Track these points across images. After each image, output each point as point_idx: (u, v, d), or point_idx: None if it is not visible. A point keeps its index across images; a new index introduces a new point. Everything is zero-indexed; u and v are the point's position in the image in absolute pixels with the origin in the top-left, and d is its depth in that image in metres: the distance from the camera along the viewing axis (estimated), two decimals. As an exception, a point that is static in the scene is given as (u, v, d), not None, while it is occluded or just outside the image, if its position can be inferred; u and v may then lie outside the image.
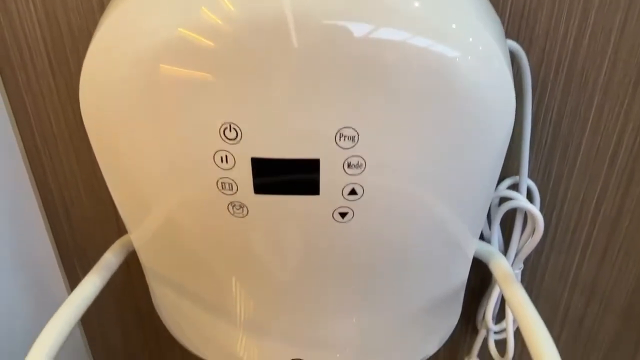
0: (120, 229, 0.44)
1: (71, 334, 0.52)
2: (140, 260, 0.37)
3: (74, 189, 0.43)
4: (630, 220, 0.40)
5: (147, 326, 0.50)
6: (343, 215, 0.28)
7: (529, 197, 0.38)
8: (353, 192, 0.28)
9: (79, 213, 0.44)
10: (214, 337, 0.39)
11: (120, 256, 0.37)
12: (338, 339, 0.37)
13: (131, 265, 0.47)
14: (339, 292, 0.33)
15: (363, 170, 0.27)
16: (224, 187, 0.28)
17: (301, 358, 0.38)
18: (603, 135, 0.36)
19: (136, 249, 0.37)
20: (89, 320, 0.52)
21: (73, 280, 0.48)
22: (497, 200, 0.38)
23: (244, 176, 0.27)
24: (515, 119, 0.34)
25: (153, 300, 0.42)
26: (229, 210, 0.29)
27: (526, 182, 0.37)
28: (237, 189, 0.28)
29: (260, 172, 0.27)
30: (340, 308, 0.34)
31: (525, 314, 0.31)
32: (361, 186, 0.27)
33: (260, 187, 0.27)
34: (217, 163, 0.27)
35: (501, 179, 0.38)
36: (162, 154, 0.28)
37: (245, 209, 0.29)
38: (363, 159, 0.26)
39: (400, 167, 0.27)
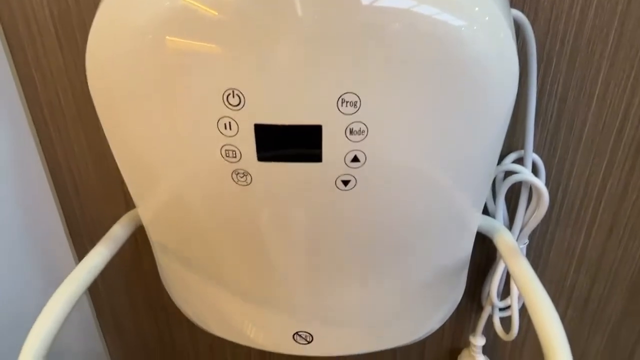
0: (128, 205, 0.45)
1: (81, 311, 0.53)
2: (148, 235, 0.38)
3: (83, 164, 0.43)
4: (637, 196, 0.40)
5: (155, 303, 0.51)
6: (346, 183, 0.29)
7: (535, 172, 0.38)
8: (355, 159, 0.28)
9: (87, 189, 0.45)
10: (219, 310, 0.39)
11: (128, 229, 0.38)
12: (343, 311, 0.37)
13: (140, 243, 0.47)
14: (343, 262, 0.33)
15: (365, 137, 0.27)
16: (227, 154, 0.28)
17: (306, 330, 0.38)
18: (609, 109, 0.36)
19: (143, 223, 0.37)
20: (99, 298, 0.52)
21: (82, 255, 0.49)
22: (502, 175, 0.38)
23: (248, 143, 0.27)
24: (520, 92, 0.34)
25: (160, 274, 0.42)
26: (233, 179, 0.29)
27: (531, 156, 0.37)
28: (241, 156, 0.28)
29: (263, 139, 0.27)
30: (345, 279, 0.35)
31: (529, 286, 0.31)
32: (363, 153, 0.27)
33: (264, 154, 0.28)
34: (220, 130, 0.27)
35: (506, 153, 0.38)
36: (167, 123, 0.28)
37: (249, 176, 0.29)
38: (365, 126, 0.27)
39: (402, 134, 0.27)
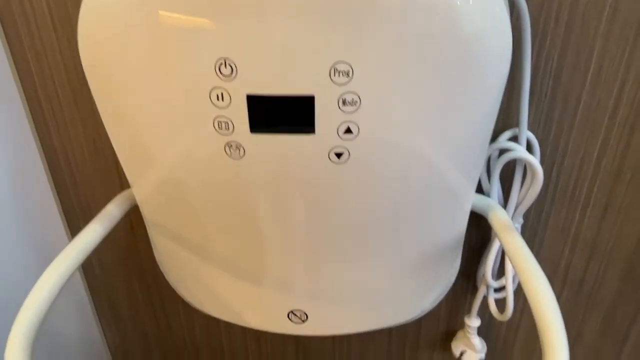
0: (122, 187, 0.45)
1: (77, 296, 0.53)
2: (142, 214, 0.38)
3: (78, 147, 0.43)
4: (632, 176, 0.40)
5: (151, 287, 0.51)
6: (339, 155, 0.29)
7: (529, 150, 0.38)
8: (348, 130, 0.28)
9: (82, 171, 0.45)
10: (213, 290, 0.39)
11: (122, 208, 0.38)
12: (337, 289, 0.37)
13: (135, 226, 0.47)
14: (337, 238, 0.33)
15: (358, 108, 0.27)
16: (220, 126, 0.28)
17: (301, 309, 0.38)
18: (604, 87, 0.36)
19: (138, 202, 0.37)
20: (95, 283, 0.52)
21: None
22: (496, 153, 0.38)
23: (240, 114, 0.27)
24: (515, 68, 0.34)
25: (155, 255, 0.42)
26: (225, 152, 0.29)
27: (526, 133, 0.37)
28: (234, 128, 0.28)
29: (255, 110, 0.27)
30: (338, 256, 0.35)
31: (524, 263, 0.31)
32: (356, 124, 0.27)
33: (256, 126, 0.28)
34: (213, 101, 0.27)
35: (501, 131, 0.38)
36: (160, 97, 0.28)
37: (241, 149, 0.29)
38: (358, 96, 0.26)
39: (395, 106, 0.27)
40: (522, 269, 0.31)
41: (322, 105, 0.27)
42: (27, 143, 0.43)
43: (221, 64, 0.26)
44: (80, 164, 0.44)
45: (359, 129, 0.28)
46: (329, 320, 0.39)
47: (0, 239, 0.46)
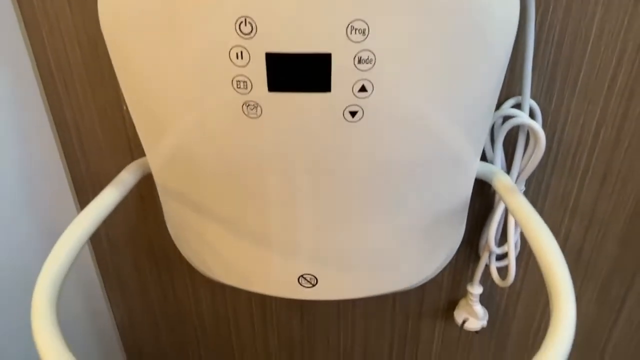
0: (133, 157, 0.45)
1: (84, 268, 0.54)
2: (156, 180, 0.39)
3: (88, 116, 0.44)
4: (629, 143, 0.41)
5: (158, 258, 0.52)
6: (353, 114, 0.30)
7: (532, 118, 0.39)
8: (363, 89, 0.29)
9: (93, 143, 0.45)
10: (225, 256, 0.40)
11: (136, 175, 0.39)
12: (346, 253, 0.38)
13: (145, 198, 0.48)
14: (347, 199, 0.34)
15: (373, 66, 0.28)
16: (239, 85, 0.29)
17: (311, 273, 0.39)
18: (603, 55, 0.37)
19: (152, 169, 0.38)
20: (103, 255, 0.53)
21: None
22: (500, 121, 0.39)
23: (259, 73, 0.28)
24: (519, 38, 0.36)
25: (167, 223, 0.43)
26: (243, 111, 0.30)
27: (529, 101, 0.38)
28: (252, 87, 0.29)
29: (274, 68, 0.28)
30: (348, 218, 0.36)
31: (528, 219, 0.32)
32: (371, 83, 0.28)
33: (274, 84, 0.29)
34: (232, 60, 0.28)
35: (505, 99, 0.39)
36: (181, 58, 0.29)
37: (259, 108, 0.30)
38: (373, 54, 0.28)
39: (407, 66, 0.28)
40: (527, 226, 0.32)
41: (338, 63, 0.28)
42: (38, 112, 0.44)
43: (241, 22, 0.27)
44: (91, 133, 0.45)
45: (373, 87, 0.29)
46: (338, 285, 0.40)
47: (9, 208, 0.46)
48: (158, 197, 0.46)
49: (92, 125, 0.44)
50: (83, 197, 0.49)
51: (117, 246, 0.52)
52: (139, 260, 0.53)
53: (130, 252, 0.52)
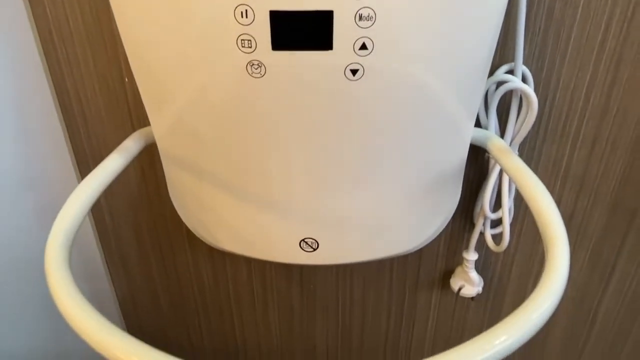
0: (134, 127, 0.46)
1: (86, 244, 0.55)
2: (159, 148, 0.40)
3: (89, 85, 0.44)
4: (618, 109, 0.42)
5: (160, 232, 0.53)
6: (354, 72, 0.31)
7: (524, 84, 0.40)
8: (364, 46, 0.30)
9: (95, 115, 0.46)
10: (228, 222, 0.41)
11: (139, 144, 0.40)
12: (346, 216, 0.39)
13: (146, 171, 0.49)
14: (348, 159, 0.35)
15: (373, 23, 0.29)
16: (243, 44, 0.30)
17: (312, 237, 0.40)
18: (592, 21, 0.39)
19: (156, 136, 0.39)
20: (104, 229, 0.54)
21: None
22: (494, 87, 0.41)
23: (263, 31, 0.29)
24: (511, 4, 0.37)
25: (170, 192, 0.44)
26: (247, 71, 0.31)
27: (521, 67, 0.39)
28: (256, 46, 0.30)
29: (277, 26, 0.29)
30: (348, 179, 0.37)
31: (523, 176, 0.34)
32: (371, 40, 0.29)
33: (278, 42, 0.29)
34: (237, 19, 0.29)
35: (498, 66, 0.40)
36: (186, 17, 0.30)
37: (263, 67, 0.31)
38: (373, 11, 0.29)
39: (405, 24, 0.29)
40: (522, 182, 0.33)
41: (339, 20, 0.29)
42: (39, 81, 0.44)
43: (246, -20, 0.28)
44: (92, 102, 0.45)
45: (373, 44, 0.30)
46: (338, 249, 0.41)
47: (10, 176, 0.47)
48: (159, 171, 0.47)
49: (95, 98, 0.45)
50: (84, 168, 0.49)
51: (119, 221, 0.53)
52: (140, 234, 0.53)
53: (132, 227, 0.53)
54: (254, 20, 0.29)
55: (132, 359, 0.23)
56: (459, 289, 0.51)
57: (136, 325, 0.62)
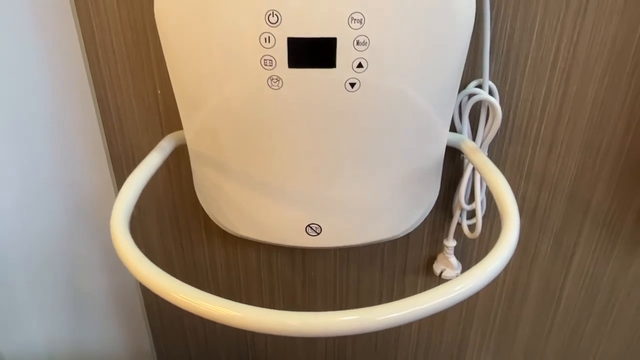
0: (163, 132, 0.54)
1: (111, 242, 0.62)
2: (189, 147, 0.47)
3: (127, 100, 0.52)
4: (569, 116, 0.51)
5: (181, 222, 0.60)
6: (352, 85, 0.39)
7: (491, 95, 0.49)
8: (360, 65, 0.38)
9: (130, 121, 0.54)
10: (246, 211, 0.49)
11: (172, 145, 0.48)
12: (345, 204, 0.47)
13: (171, 169, 0.57)
14: (347, 156, 0.44)
15: (367, 47, 0.37)
16: (265, 63, 0.38)
17: (317, 223, 0.48)
18: (545, 45, 0.47)
19: (187, 137, 0.47)
20: (132, 223, 0.61)
21: (120, 179, 0.58)
22: (466, 98, 0.49)
23: (281, 53, 0.38)
24: (479, 31, 0.45)
25: (196, 187, 0.52)
26: (268, 84, 0.39)
27: (488, 82, 0.48)
28: (276, 64, 0.38)
29: (293, 49, 0.37)
30: (348, 173, 0.45)
31: (489, 169, 0.42)
32: (366, 60, 0.38)
33: (293, 61, 0.38)
34: (261, 43, 0.37)
35: (470, 81, 0.49)
36: (220, 42, 0.38)
37: (280, 81, 0.39)
38: (368, 38, 0.37)
39: (393, 47, 0.38)
40: (488, 175, 0.41)
41: (341, 45, 0.37)
42: (84, 92, 0.52)
43: (270, 14, 0.36)
44: (128, 111, 0.53)
45: (367, 64, 0.38)
46: (339, 233, 0.49)
47: (50, 176, 0.55)
48: (183, 170, 0.55)
49: (131, 107, 0.53)
50: (118, 168, 0.57)
51: (145, 215, 0.60)
52: (163, 227, 0.61)
53: (156, 220, 0.61)
54: (275, 44, 0.37)
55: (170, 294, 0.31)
56: (441, 273, 0.59)
57: (156, 310, 0.69)
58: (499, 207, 0.39)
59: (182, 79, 0.42)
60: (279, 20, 0.36)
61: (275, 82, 0.39)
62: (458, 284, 0.32)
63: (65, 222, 0.60)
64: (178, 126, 0.49)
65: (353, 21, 0.36)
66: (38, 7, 0.47)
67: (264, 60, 0.38)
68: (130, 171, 0.56)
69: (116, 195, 0.58)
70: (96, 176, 0.57)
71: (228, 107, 0.42)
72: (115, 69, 0.51)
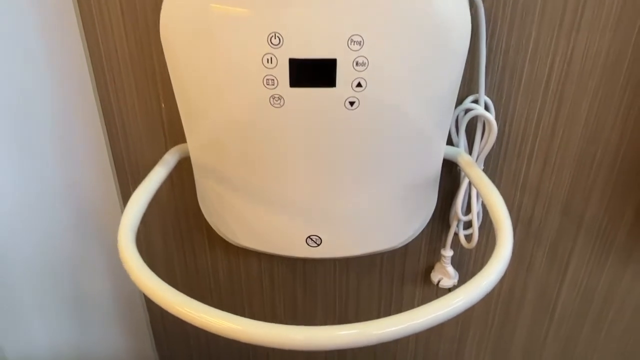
0: (167, 146, 0.55)
1: (115, 251, 0.63)
2: (193, 161, 0.49)
3: (132, 112, 0.54)
4: (563, 131, 0.52)
5: (184, 232, 0.62)
6: (352, 103, 0.40)
7: (487, 111, 0.50)
8: (359, 84, 0.39)
9: (135, 133, 0.55)
10: (248, 222, 0.50)
11: (175, 157, 0.49)
12: (345, 216, 0.48)
13: (175, 182, 0.58)
14: (347, 170, 0.45)
15: (366, 68, 0.39)
16: (268, 83, 0.39)
17: (317, 234, 0.50)
18: (539, 62, 0.49)
19: (190, 151, 0.48)
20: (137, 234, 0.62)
21: (125, 191, 0.59)
22: (463, 113, 0.51)
23: (283, 73, 0.39)
24: (475, 48, 0.47)
25: (199, 199, 0.53)
26: (270, 102, 0.41)
27: (484, 98, 0.49)
28: (278, 84, 0.39)
29: (295, 69, 0.39)
30: (349, 186, 0.46)
31: (483, 184, 0.43)
32: (365, 80, 0.39)
33: (295, 81, 0.39)
34: (264, 64, 0.39)
35: (466, 96, 0.50)
36: (224, 62, 0.39)
37: (282, 100, 0.40)
38: (367, 59, 0.38)
39: (391, 67, 0.39)
40: (483, 189, 0.43)
41: (341, 66, 0.38)
42: (89, 103, 0.53)
43: (272, 36, 0.37)
44: (133, 123, 0.54)
45: (366, 83, 0.39)
46: (338, 244, 0.50)
47: (55, 183, 0.56)
48: (186, 182, 0.56)
49: (135, 119, 0.54)
50: (122, 179, 0.58)
51: (150, 226, 0.62)
52: (167, 238, 0.62)
53: (160, 231, 0.62)
54: (277, 65, 0.39)
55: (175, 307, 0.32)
56: (438, 282, 0.60)
57: (159, 314, 0.71)
58: (494, 222, 0.40)
59: (186, 95, 0.43)
60: (281, 42, 0.38)
61: (277, 101, 0.40)
62: (454, 298, 0.33)
63: (68, 225, 0.61)
64: (182, 138, 0.51)
65: (352, 43, 0.38)
66: (47, 30, 0.49)
67: (267, 79, 0.39)
68: (133, 177, 0.57)
69: (119, 199, 0.59)
70: (100, 180, 0.58)
71: (231, 123, 0.43)
72: (121, 82, 0.52)
